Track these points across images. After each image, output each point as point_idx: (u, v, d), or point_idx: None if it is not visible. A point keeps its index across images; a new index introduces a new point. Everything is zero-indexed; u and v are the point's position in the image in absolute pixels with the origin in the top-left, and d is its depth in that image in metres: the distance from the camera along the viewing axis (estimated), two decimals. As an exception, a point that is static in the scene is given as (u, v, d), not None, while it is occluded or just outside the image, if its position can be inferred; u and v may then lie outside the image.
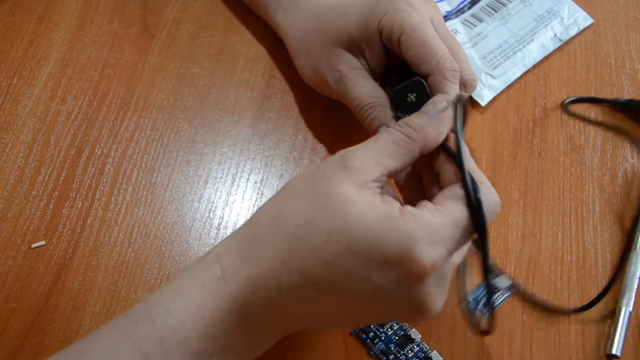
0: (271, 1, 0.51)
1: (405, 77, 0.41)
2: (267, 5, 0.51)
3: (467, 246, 0.35)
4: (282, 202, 0.34)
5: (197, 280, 0.33)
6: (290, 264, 0.32)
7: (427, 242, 0.31)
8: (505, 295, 0.41)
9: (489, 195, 0.33)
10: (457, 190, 0.33)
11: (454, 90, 0.39)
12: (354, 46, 0.43)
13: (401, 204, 0.33)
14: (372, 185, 0.33)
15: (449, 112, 0.36)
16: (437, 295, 0.33)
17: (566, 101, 0.51)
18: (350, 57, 0.43)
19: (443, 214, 0.32)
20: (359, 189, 0.32)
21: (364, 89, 0.42)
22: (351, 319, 0.36)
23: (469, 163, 0.34)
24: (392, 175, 0.35)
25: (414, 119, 0.35)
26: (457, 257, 0.35)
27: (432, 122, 0.35)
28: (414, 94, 0.39)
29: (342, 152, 0.34)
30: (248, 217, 0.46)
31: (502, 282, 0.38)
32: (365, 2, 0.43)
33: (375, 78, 0.43)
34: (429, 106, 0.36)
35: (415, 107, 0.38)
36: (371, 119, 0.41)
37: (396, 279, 0.31)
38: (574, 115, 0.51)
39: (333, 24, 0.44)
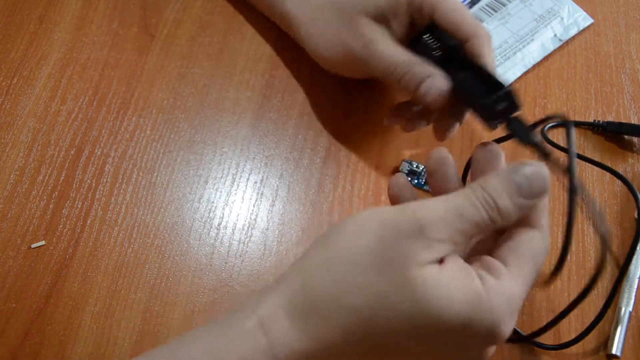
0: None
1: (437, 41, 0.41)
2: None
3: None
4: (344, 269, 0.30)
5: (236, 351, 0.29)
6: (358, 346, 0.30)
7: (510, 316, 0.30)
8: None
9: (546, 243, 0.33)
10: (530, 247, 0.32)
11: (489, 54, 0.40)
12: (380, 16, 0.43)
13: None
14: (446, 249, 0.30)
15: (542, 203, 0.33)
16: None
17: (545, 128, 0.50)
18: (375, 25, 0.43)
19: (521, 282, 0.31)
20: (439, 265, 0.30)
21: (396, 50, 0.42)
22: None
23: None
24: None
25: (505, 202, 0.31)
26: None
27: (520, 211, 0.32)
28: (504, 103, 0.36)
29: (418, 217, 0.30)
30: (250, 217, 0.46)
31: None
32: None
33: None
34: (524, 184, 0.31)
35: (504, 115, 0.36)
36: (410, 76, 0.40)
37: (474, 349, 0.31)
38: (552, 143, 0.49)
39: None
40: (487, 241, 0.35)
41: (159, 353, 0.31)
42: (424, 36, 0.43)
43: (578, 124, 0.51)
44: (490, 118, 0.37)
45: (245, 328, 0.30)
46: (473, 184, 0.32)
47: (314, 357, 0.30)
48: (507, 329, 0.30)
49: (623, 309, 0.43)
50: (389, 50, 0.42)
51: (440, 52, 0.42)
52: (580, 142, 0.51)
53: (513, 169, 0.32)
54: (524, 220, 0.33)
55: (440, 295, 0.29)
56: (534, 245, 0.33)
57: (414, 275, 0.29)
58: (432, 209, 0.30)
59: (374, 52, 0.42)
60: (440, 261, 0.30)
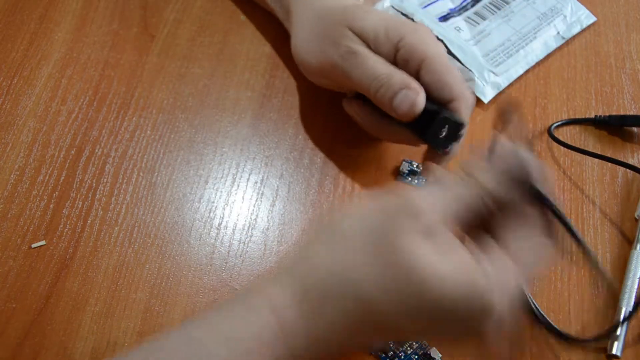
0: None
1: None
2: None
3: None
4: (344, 254, 0.32)
5: (253, 336, 0.31)
6: (361, 327, 0.31)
7: (503, 294, 0.31)
8: None
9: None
10: (532, 232, 0.33)
11: (467, 116, 0.41)
12: (365, 38, 0.42)
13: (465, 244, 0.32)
14: (441, 230, 0.32)
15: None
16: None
17: (552, 126, 0.50)
18: (358, 39, 0.42)
19: (516, 263, 0.32)
20: (429, 240, 0.31)
21: (376, 62, 0.41)
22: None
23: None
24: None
25: (492, 184, 0.33)
26: None
27: (508, 191, 0.33)
28: (446, 131, 0.40)
29: (405, 195, 0.32)
30: (250, 217, 0.46)
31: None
32: (389, 14, 0.43)
33: None
34: (513, 166, 0.34)
35: (439, 142, 0.41)
36: (386, 88, 0.40)
37: (469, 325, 0.31)
38: (559, 142, 0.49)
39: (350, 12, 0.43)
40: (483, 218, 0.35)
41: (172, 339, 0.32)
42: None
43: (581, 121, 0.51)
44: (437, 146, 0.41)
45: (261, 316, 0.32)
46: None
47: (317, 339, 0.31)
48: (501, 307, 0.30)
49: (623, 309, 0.43)
50: (369, 61, 0.41)
51: None
52: (583, 138, 0.51)
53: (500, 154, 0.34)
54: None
55: (433, 279, 0.30)
56: (536, 232, 0.33)
57: (404, 251, 0.30)
58: (423, 190, 0.33)
59: (354, 62, 0.42)
60: (432, 235, 0.31)
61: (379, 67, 0.41)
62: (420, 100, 0.40)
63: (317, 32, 0.45)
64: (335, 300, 0.31)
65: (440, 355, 0.41)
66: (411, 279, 0.30)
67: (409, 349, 0.41)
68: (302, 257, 0.33)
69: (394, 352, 0.41)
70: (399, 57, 0.42)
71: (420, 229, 0.31)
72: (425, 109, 0.40)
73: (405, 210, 0.31)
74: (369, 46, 0.42)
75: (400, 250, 0.30)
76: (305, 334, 0.32)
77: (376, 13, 0.44)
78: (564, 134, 0.51)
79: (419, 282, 0.30)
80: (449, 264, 0.30)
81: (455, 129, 0.40)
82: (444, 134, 0.40)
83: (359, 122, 0.46)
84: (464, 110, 0.41)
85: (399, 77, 0.40)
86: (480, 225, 0.35)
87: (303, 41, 0.46)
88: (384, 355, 0.41)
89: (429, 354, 0.41)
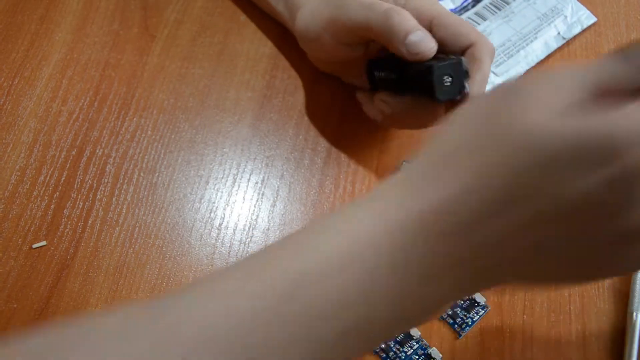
0: None
1: (394, 67, 0.43)
2: None
3: None
4: (453, 141, 0.29)
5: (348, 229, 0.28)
6: (477, 186, 0.27)
7: (636, 137, 0.25)
8: None
9: None
10: None
11: (487, 62, 0.40)
12: None
13: None
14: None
15: None
16: None
17: None
18: None
19: None
20: (547, 113, 0.26)
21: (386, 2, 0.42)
22: (555, 262, 0.29)
23: None
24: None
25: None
26: None
27: None
28: (449, 77, 0.39)
29: (516, 82, 0.28)
30: (251, 217, 0.46)
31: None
32: None
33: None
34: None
35: (451, 91, 0.39)
36: (402, 17, 0.40)
37: (600, 181, 0.25)
38: None
39: None
40: None
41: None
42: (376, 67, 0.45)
43: None
44: (453, 94, 0.39)
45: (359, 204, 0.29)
46: None
47: (436, 208, 0.27)
48: (631, 152, 0.24)
49: (634, 314, 0.41)
50: (377, 1, 0.42)
51: (395, 75, 0.43)
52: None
53: None
54: None
55: (548, 125, 0.26)
56: None
57: (517, 121, 0.26)
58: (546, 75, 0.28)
59: (361, 3, 0.42)
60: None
61: (387, 4, 0.41)
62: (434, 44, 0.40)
63: (325, 2, 0.45)
64: (446, 169, 0.28)
65: (441, 355, 0.41)
66: (522, 130, 0.26)
67: (409, 348, 0.41)
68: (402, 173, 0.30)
69: (395, 352, 0.41)
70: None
71: (535, 106, 0.26)
72: (421, 71, 0.39)
73: (518, 92, 0.27)
74: None
75: (508, 120, 0.27)
76: (426, 200, 0.28)
77: None
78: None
79: (531, 129, 0.26)
80: (563, 112, 0.26)
81: (456, 70, 0.39)
82: (449, 81, 0.38)
83: (385, 115, 0.45)
84: (485, 54, 0.40)
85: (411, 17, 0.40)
86: None
87: (313, 11, 0.46)
88: (384, 355, 0.41)
89: (430, 354, 0.41)
